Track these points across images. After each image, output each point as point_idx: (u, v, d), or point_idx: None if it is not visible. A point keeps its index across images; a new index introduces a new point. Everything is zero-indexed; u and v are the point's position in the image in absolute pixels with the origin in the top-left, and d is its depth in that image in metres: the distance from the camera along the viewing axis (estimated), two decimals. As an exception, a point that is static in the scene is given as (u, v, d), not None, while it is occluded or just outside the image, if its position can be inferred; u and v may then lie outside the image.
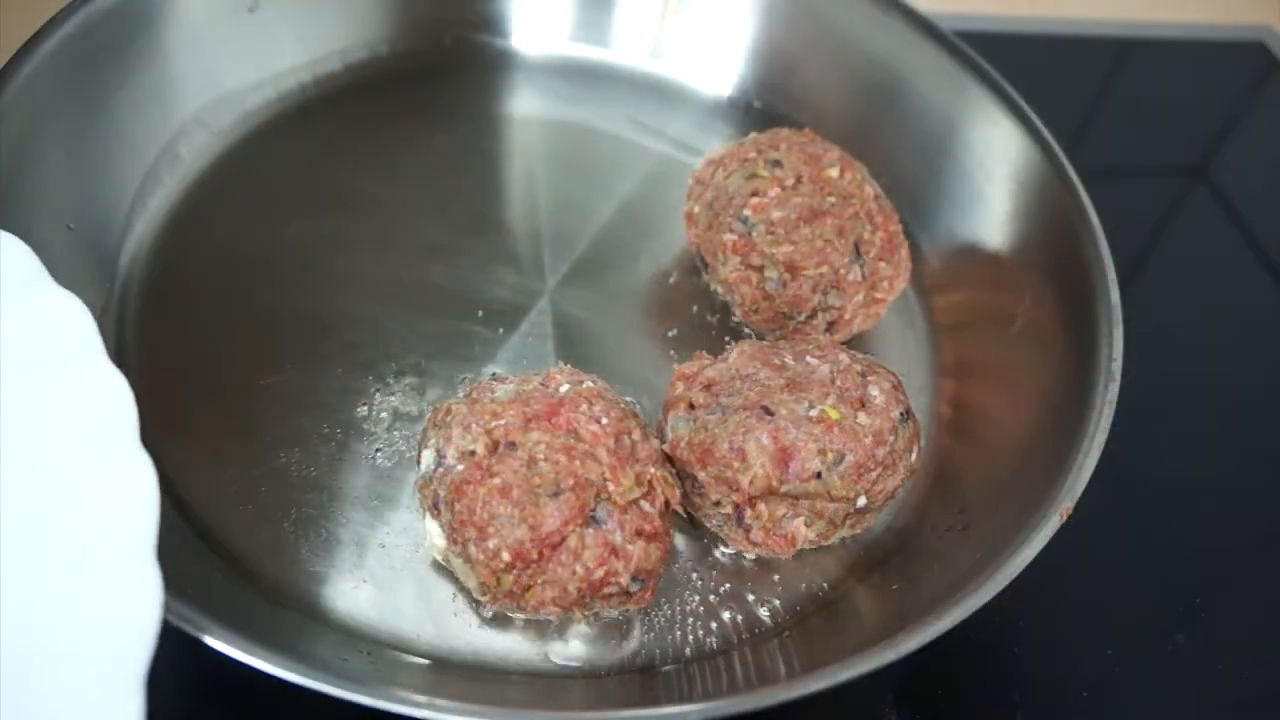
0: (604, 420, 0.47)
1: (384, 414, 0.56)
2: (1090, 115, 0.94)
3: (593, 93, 0.77)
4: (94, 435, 0.37)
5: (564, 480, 0.45)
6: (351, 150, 0.70)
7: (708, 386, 0.51)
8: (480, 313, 0.62)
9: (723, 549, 0.53)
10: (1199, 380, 0.74)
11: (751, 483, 0.48)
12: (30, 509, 0.35)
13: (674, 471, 0.50)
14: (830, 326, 0.59)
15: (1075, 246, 0.60)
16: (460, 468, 0.46)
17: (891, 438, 0.49)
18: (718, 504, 0.50)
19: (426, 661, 0.48)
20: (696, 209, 0.62)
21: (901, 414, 0.50)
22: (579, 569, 0.45)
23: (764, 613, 0.52)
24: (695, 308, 0.64)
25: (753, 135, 0.63)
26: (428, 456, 0.48)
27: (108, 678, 0.32)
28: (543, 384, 0.49)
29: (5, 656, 0.33)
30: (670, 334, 0.63)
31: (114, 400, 0.38)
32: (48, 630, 0.33)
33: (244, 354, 0.58)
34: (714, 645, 0.50)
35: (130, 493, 0.36)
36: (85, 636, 0.33)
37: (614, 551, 0.45)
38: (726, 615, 0.51)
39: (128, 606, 0.34)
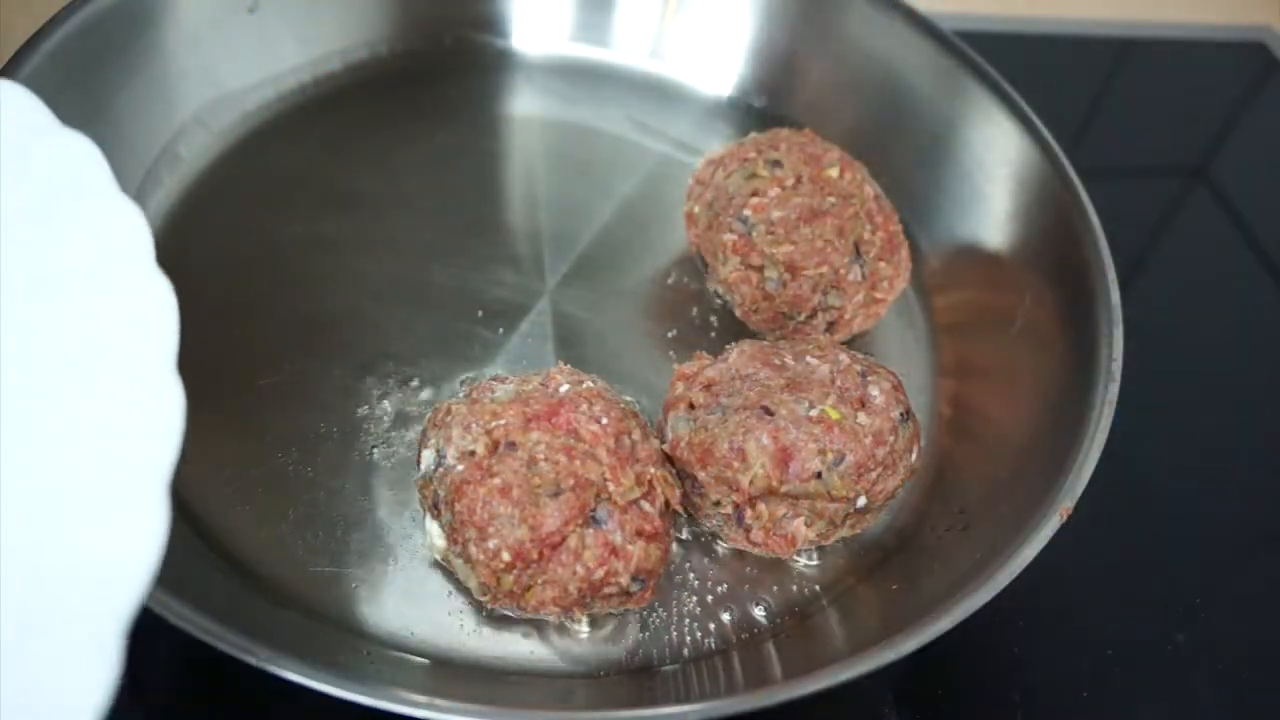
0: (604, 420, 0.47)
1: (384, 414, 0.56)
2: (1090, 115, 0.94)
3: (593, 93, 0.77)
4: (111, 259, 0.38)
5: (564, 480, 0.45)
6: (351, 150, 0.70)
7: (708, 386, 0.51)
8: (480, 313, 0.62)
9: (722, 549, 0.53)
10: (1199, 380, 0.74)
11: (751, 483, 0.48)
12: (51, 331, 0.36)
13: (674, 471, 0.50)
14: (830, 326, 0.59)
15: (1075, 246, 0.60)
16: (460, 468, 0.46)
17: (891, 438, 0.49)
18: (718, 504, 0.50)
19: (426, 661, 0.48)
20: (696, 209, 0.62)
21: (901, 414, 0.50)
22: (579, 569, 0.45)
23: (763, 613, 0.52)
24: (695, 308, 0.64)
25: (753, 135, 0.63)
26: (428, 456, 0.48)
27: (134, 485, 0.33)
28: (543, 384, 0.49)
29: (35, 468, 0.33)
30: (670, 334, 0.63)
31: (128, 226, 0.38)
32: (75, 443, 0.34)
33: (244, 354, 0.58)
34: (713, 645, 0.50)
35: (150, 309, 0.37)
36: (111, 445, 0.34)
37: (614, 551, 0.45)
38: (726, 615, 0.51)
39: (152, 414, 0.35)
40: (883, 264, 0.59)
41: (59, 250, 0.38)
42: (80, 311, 0.37)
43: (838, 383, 0.50)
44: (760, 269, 0.58)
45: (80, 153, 0.40)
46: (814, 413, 0.48)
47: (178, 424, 0.34)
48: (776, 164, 0.59)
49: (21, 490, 0.33)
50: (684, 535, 0.53)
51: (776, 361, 0.52)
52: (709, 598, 0.52)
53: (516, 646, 0.49)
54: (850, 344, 0.59)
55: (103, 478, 0.33)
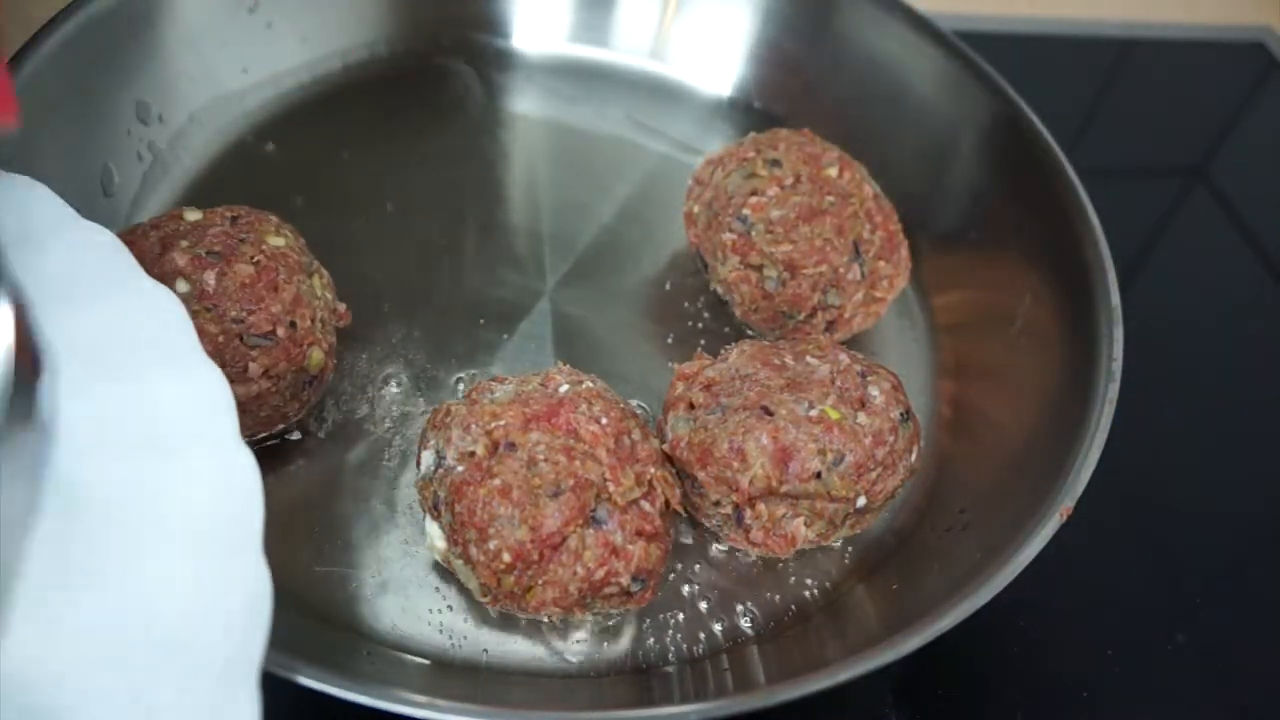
0: (604, 420, 0.47)
1: (383, 415, 0.56)
2: (1090, 115, 0.94)
3: (593, 93, 0.77)
4: (198, 432, 0.37)
5: (564, 480, 0.45)
6: (351, 150, 0.70)
7: (708, 386, 0.51)
8: (480, 313, 0.62)
9: (722, 549, 0.53)
10: (1199, 380, 0.74)
11: (751, 483, 0.48)
12: (141, 505, 0.35)
13: (674, 471, 0.50)
14: (830, 326, 0.59)
15: (1075, 246, 0.60)
16: (460, 469, 0.46)
17: (891, 438, 0.49)
18: (717, 504, 0.50)
19: (426, 662, 0.48)
20: (696, 209, 0.62)
21: (901, 414, 0.50)
22: (580, 569, 0.45)
23: (763, 613, 0.52)
24: (695, 308, 0.64)
25: (752, 135, 0.63)
26: (427, 457, 0.48)
27: (224, 671, 0.33)
28: (542, 384, 0.49)
29: (123, 652, 0.33)
30: (669, 334, 0.63)
31: (214, 396, 0.38)
32: (163, 624, 0.33)
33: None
34: (714, 645, 0.50)
35: (237, 486, 0.36)
36: (200, 630, 0.33)
37: (614, 552, 0.45)
38: (725, 615, 0.51)
39: (241, 598, 0.34)
40: (882, 263, 0.59)
41: (145, 417, 0.37)
42: (167, 488, 0.36)
43: (838, 383, 0.50)
44: (760, 268, 0.58)
45: (166, 307, 0.39)
46: (814, 413, 0.48)
47: (266, 606, 0.34)
48: (776, 163, 0.59)
49: (107, 671, 0.32)
50: (684, 535, 0.53)
51: (776, 361, 0.52)
52: (709, 598, 0.52)
53: (517, 647, 0.49)
54: (850, 344, 0.59)
55: (192, 665, 0.32)
